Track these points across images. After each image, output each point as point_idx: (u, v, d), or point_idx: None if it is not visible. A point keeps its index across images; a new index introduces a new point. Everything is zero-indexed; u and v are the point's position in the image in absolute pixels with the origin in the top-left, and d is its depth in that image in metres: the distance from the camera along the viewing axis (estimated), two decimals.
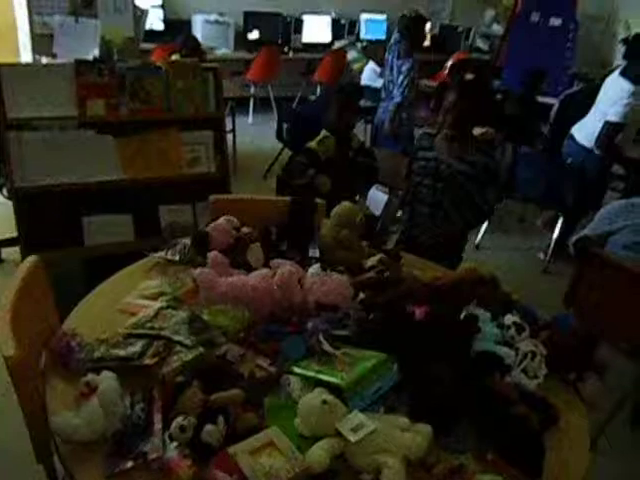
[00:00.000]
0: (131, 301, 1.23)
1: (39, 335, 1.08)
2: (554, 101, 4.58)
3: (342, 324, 1.09)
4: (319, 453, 0.80)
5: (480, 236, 3.17)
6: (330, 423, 0.85)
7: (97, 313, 1.19)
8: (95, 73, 1.97)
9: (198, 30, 4.93)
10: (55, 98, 1.90)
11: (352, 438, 0.82)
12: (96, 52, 3.05)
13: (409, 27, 3.24)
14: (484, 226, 3.16)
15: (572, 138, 2.94)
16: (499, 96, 2.99)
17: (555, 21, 5.39)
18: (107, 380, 0.90)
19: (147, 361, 0.98)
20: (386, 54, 3.41)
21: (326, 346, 1.01)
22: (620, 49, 5.65)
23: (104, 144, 2.01)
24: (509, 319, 1.13)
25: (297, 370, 1.00)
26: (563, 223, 2.93)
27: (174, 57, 3.36)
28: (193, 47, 3.46)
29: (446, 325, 1.08)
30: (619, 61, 5.55)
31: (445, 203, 1.89)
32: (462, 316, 1.13)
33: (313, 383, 0.95)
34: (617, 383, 1.44)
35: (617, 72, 2.80)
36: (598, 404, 1.06)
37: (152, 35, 4.57)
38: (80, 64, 1.95)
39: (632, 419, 1.87)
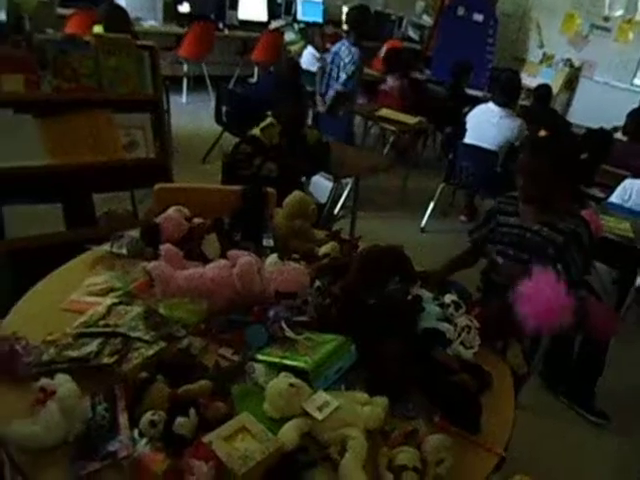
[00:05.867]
0: (77, 299, 1.17)
1: None
2: (476, 93, 4.95)
3: (301, 311, 1.14)
4: (289, 432, 0.86)
5: (425, 220, 3.37)
6: (297, 404, 0.90)
7: (39, 313, 1.11)
8: (9, 44, 1.77)
9: None
10: None
11: (319, 416, 0.88)
12: (2, 17, 2.69)
13: (357, 19, 3.34)
14: (428, 210, 3.35)
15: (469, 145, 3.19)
16: (584, 155, 2.76)
17: (478, 16, 5.75)
18: (64, 383, 0.86)
19: (105, 360, 0.96)
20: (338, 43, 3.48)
21: (289, 332, 1.06)
22: (534, 45, 6.24)
23: (24, 125, 1.80)
24: (448, 298, 1.26)
25: (261, 357, 1.03)
26: None
27: (97, 29, 3.07)
28: (119, 18, 3.17)
29: (395, 306, 1.18)
30: (532, 57, 6.15)
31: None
32: (409, 297, 1.24)
33: (277, 369, 0.99)
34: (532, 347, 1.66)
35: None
36: (520, 367, 1.24)
37: None
38: None
39: (544, 379, 2.16)
